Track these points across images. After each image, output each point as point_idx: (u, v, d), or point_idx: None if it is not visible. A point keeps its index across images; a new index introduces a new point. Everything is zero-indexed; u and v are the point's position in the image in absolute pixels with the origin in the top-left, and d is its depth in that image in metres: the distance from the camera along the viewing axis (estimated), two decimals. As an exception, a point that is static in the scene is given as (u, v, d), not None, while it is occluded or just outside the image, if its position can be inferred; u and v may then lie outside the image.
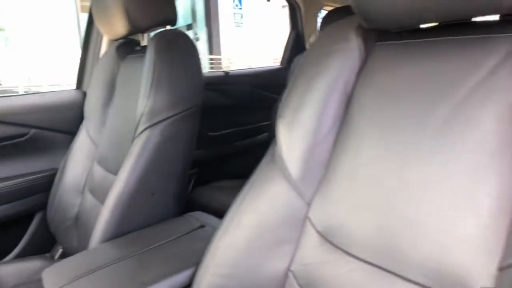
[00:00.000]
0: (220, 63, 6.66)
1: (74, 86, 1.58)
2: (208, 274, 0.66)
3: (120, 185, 0.92)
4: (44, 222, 1.33)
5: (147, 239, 0.86)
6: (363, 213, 0.57)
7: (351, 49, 0.66)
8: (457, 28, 0.57)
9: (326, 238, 0.62)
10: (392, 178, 0.55)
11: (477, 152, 0.48)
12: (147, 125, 0.95)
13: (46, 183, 1.34)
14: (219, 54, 6.94)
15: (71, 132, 1.39)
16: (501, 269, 0.43)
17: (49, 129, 1.41)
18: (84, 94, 1.48)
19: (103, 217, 0.91)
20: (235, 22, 7.56)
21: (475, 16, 0.52)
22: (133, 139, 0.97)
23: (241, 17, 7.67)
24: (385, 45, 0.66)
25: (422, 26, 0.61)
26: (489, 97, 0.50)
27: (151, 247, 0.82)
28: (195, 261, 0.71)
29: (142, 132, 0.95)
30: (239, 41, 7.44)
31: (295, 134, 0.66)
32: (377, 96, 0.62)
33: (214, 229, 0.70)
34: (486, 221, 0.46)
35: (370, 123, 0.61)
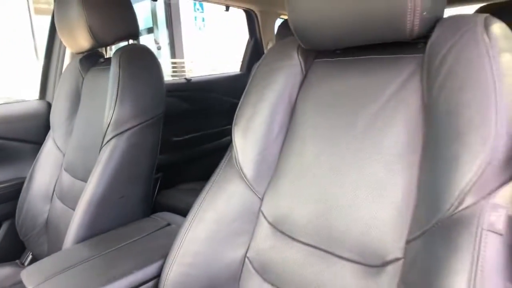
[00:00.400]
0: (183, 67, 6.55)
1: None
2: (175, 264, 0.74)
3: (90, 190, 0.98)
4: (12, 230, 1.35)
5: (118, 238, 0.92)
6: (305, 204, 0.68)
7: (293, 66, 0.78)
8: (379, 48, 0.69)
9: (276, 227, 0.72)
10: (327, 176, 0.67)
11: (390, 152, 0.61)
12: (114, 134, 1.01)
13: (13, 192, 1.35)
14: (182, 58, 6.87)
15: (36, 142, 1.42)
16: (408, 242, 0.55)
17: (14, 139, 1.42)
18: (48, 104, 1.50)
19: (75, 221, 0.97)
20: (197, 26, 7.54)
21: (388, 40, 0.64)
22: (101, 147, 1.04)
23: (203, 20, 7.66)
24: (322, 62, 0.77)
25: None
26: (399, 107, 0.62)
27: (121, 244, 0.89)
28: (163, 254, 0.79)
29: (109, 140, 1.02)
30: (201, 44, 7.42)
31: (249, 139, 0.76)
32: (315, 106, 0.73)
33: (180, 227, 0.78)
34: (397, 205, 0.58)
35: (311, 129, 0.72)
